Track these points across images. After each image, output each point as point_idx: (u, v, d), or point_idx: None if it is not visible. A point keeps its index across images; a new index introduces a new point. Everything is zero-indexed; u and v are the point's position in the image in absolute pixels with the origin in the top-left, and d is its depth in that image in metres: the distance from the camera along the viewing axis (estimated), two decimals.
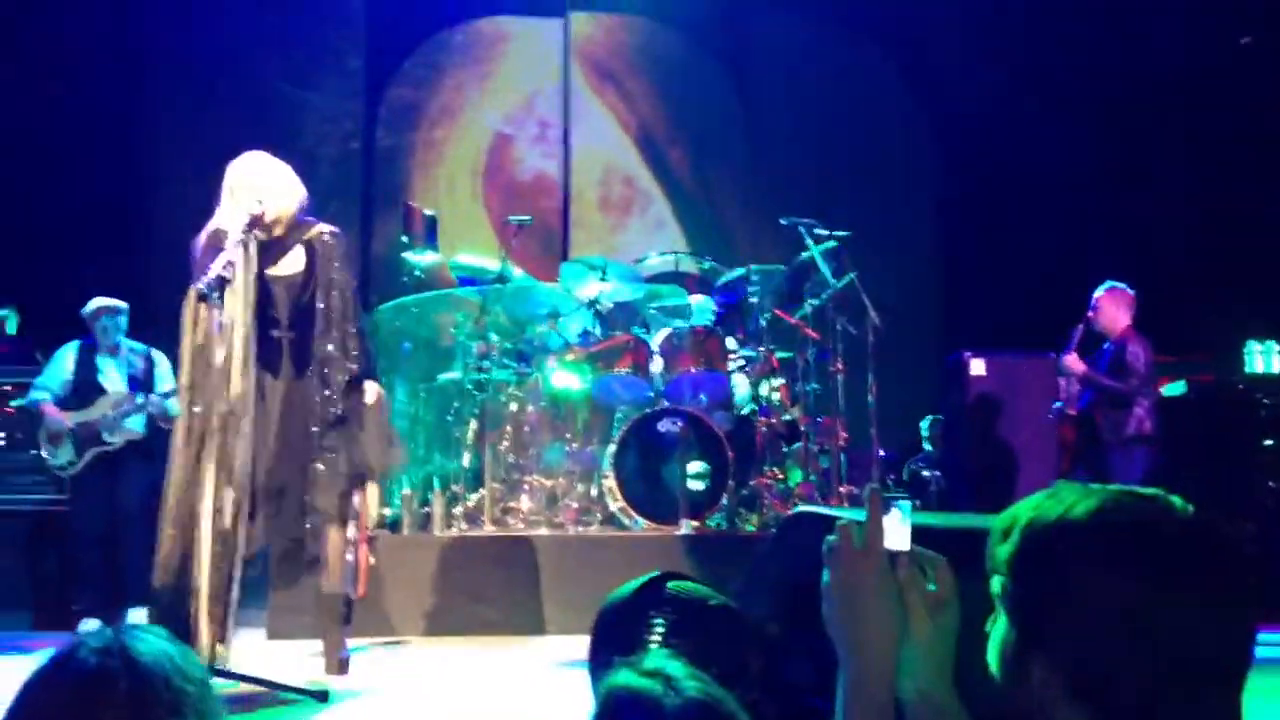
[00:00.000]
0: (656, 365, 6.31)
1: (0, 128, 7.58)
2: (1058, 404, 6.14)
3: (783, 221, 6.65)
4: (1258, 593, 1.05)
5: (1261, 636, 1.09)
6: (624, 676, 1.19)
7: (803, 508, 3.86)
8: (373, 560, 5.20)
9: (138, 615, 5.54)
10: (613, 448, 6.01)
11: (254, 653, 4.30)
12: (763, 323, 6.66)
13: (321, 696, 3.63)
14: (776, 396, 6.66)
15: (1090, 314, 5.99)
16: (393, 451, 5.90)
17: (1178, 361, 6.74)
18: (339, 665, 4.12)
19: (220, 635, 3.60)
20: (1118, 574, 1.04)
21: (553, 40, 9.53)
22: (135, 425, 5.90)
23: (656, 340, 6.42)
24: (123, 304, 6.07)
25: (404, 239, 7.20)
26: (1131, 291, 5.97)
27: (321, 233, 4.17)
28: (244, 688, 3.56)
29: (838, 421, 6.57)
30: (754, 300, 6.68)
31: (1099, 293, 6.00)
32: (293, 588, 4.44)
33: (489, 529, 5.89)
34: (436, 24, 9.32)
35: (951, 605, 1.30)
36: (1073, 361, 5.92)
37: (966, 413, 7.13)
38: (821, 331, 6.69)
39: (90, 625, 5.25)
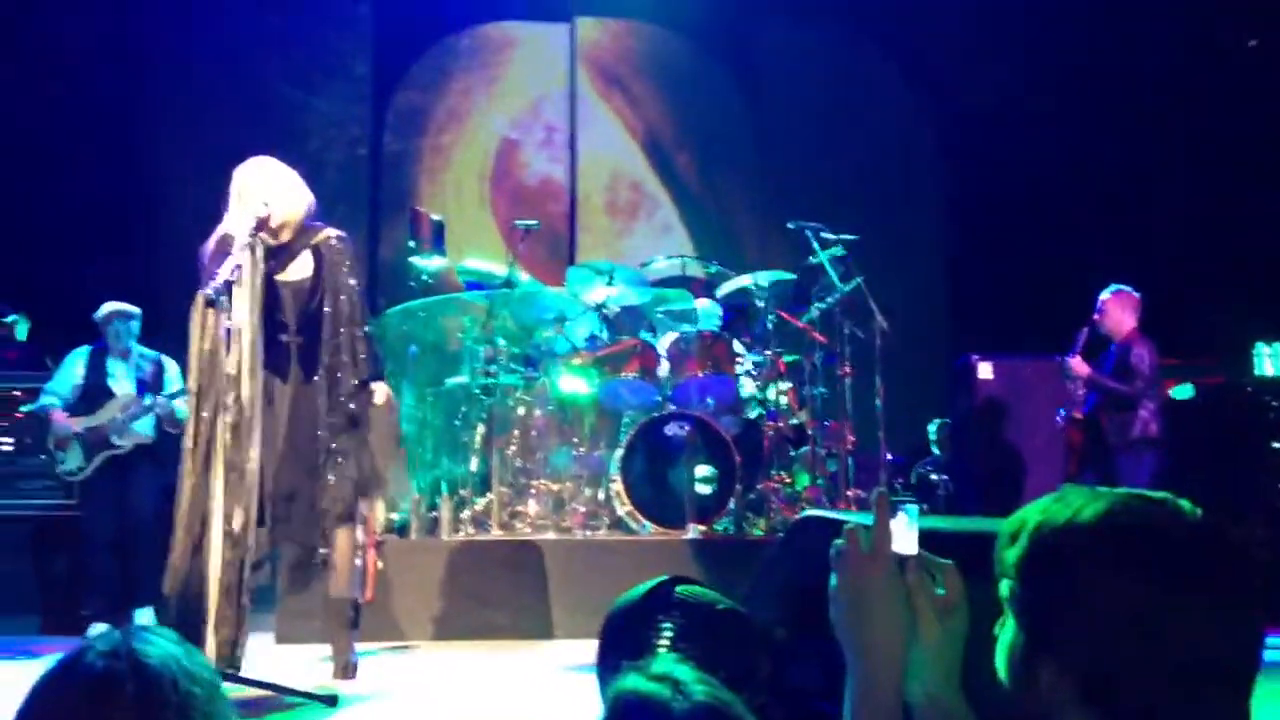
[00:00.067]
0: (663, 369, 6.31)
1: (9, 134, 7.62)
2: (1063, 407, 6.13)
3: (790, 226, 6.65)
4: (1266, 596, 1.05)
5: (1270, 639, 1.09)
6: (632, 681, 1.19)
7: (810, 512, 3.86)
8: (381, 565, 5.21)
9: (145, 617, 5.57)
10: (620, 452, 6.00)
11: (262, 657, 4.30)
12: (770, 327, 6.66)
13: (330, 701, 3.63)
14: (784, 400, 6.67)
15: (1096, 316, 5.98)
16: (396, 452, 5.91)
17: (1185, 364, 6.72)
18: (347, 670, 4.13)
19: (232, 639, 3.61)
20: (1126, 577, 1.04)
21: (559, 45, 9.55)
22: (144, 428, 5.92)
23: (663, 344, 6.41)
24: (135, 309, 6.10)
25: (411, 244, 7.21)
26: (1137, 294, 5.96)
27: (329, 237, 4.18)
28: (252, 692, 3.57)
29: (845, 425, 6.56)
30: (760, 304, 6.67)
31: (1104, 295, 5.99)
32: (302, 592, 4.45)
33: (496, 533, 5.89)
34: (443, 29, 9.34)
35: (960, 609, 1.30)
36: (1077, 364, 5.91)
37: (974, 416, 7.12)
38: (829, 335, 6.69)
39: (99, 629, 5.26)
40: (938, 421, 8.47)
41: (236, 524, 3.64)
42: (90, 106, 7.93)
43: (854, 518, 1.64)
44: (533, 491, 6.23)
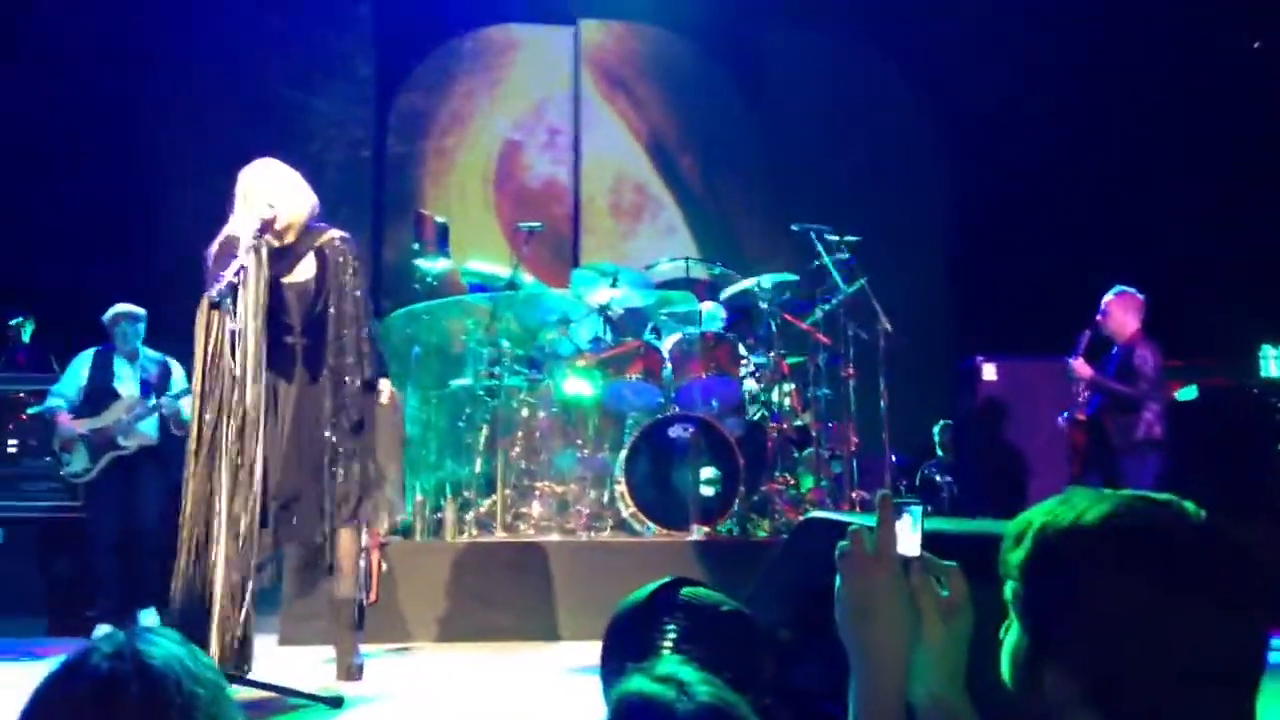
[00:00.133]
0: (667, 371, 6.31)
1: (13, 134, 7.63)
2: (1065, 414, 6.11)
3: (794, 228, 6.66)
4: (1271, 598, 1.05)
5: (1275, 641, 1.09)
6: (636, 682, 1.20)
7: (814, 513, 3.86)
8: (385, 566, 5.21)
9: (148, 618, 5.58)
10: (624, 453, 6.00)
11: (266, 659, 4.30)
12: (773, 328, 6.66)
13: (334, 702, 3.63)
14: (788, 402, 6.66)
15: (1099, 318, 5.97)
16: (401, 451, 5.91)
17: (1190, 366, 6.71)
18: (351, 671, 4.13)
19: (237, 641, 3.61)
20: (1130, 579, 1.04)
21: (563, 47, 9.56)
22: (148, 429, 5.94)
23: (667, 346, 6.41)
24: (141, 311, 6.12)
25: (415, 246, 7.22)
26: (1140, 296, 5.94)
27: (332, 238, 4.18)
28: (257, 694, 3.57)
29: (849, 427, 6.55)
30: (764, 306, 6.67)
31: (1108, 297, 5.97)
32: (307, 594, 4.45)
33: (501, 535, 5.89)
34: (446, 31, 9.35)
35: (964, 610, 1.30)
36: (1080, 366, 5.90)
37: (978, 417, 7.11)
38: (833, 337, 6.68)
39: (104, 631, 5.27)
40: (942, 423, 8.47)
41: (241, 526, 3.64)
42: (92, 108, 7.94)
43: (858, 519, 1.64)
44: (537, 493, 6.24)
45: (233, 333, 3.67)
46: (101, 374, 6.00)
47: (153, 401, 5.91)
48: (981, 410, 7.05)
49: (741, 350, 6.55)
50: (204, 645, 3.47)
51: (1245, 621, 1.04)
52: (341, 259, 4.15)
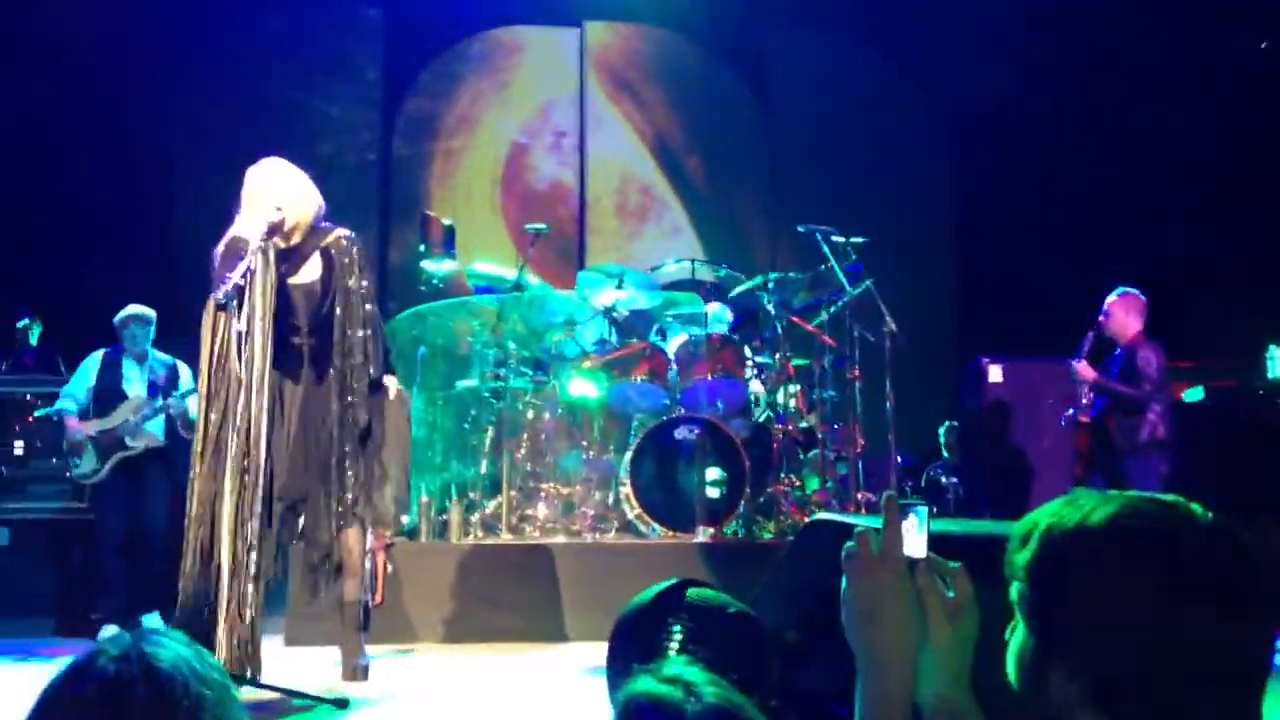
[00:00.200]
0: (673, 373, 6.31)
1: (21, 135, 7.66)
2: (1070, 411, 6.10)
3: (800, 229, 6.65)
4: (1277, 599, 1.05)
5: None
6: (643, 683, 1.20)
7: (820, 515, 3.86)
8: (390, 568, 5.22)
9: (155, 620, 5.59)
10: (629, 455, 6.00)
11: (272, 660, 4.31)
12: (779, 330, 6.65)
13: (340, 704, 3.63)
14: (793, 404, 6.66)
15: (1101, 319, 5.95)
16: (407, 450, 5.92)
17: (1197, 367, 6.69)
18: (357, 672, 4.13)
19: (243, 642, 3.62)
20: (1136, 580, 1.04)
21: (569, 49, 9.57)
22: (155, 429, 5.95)
23: (673, 348, 6.41)
24: (151, 312, 6.14)
25: (421, 248, 7.23)
26: (1143, 297, 5.93)
27: (339, 239, 4.18)
28: (263, 695, 3.58)
29: (855, 428, 6.54)
30: (770, 308, 6.67)
31: (1110, 298, 5.96)
32: (313, 595, 4.45)
33: (506, 537, 5.89)
34: (453, 34, 9.37)
35: (970, 611, 1.30)
36: (1083, 368, 5.88)
37: (984, 419, 7.10)
38: (838, 338, 6.68)
39: (110, 632, 5.28)
40: (948, 424, 8.45)
41: (247, 527, 3.65)
42: (94, 109, 7.97)
43: (864, 521, 1.64)
44: (542, 495, 6.24)
45: (239, 334, 3.67)
46: (110, 375, 6.02)
47: (160, 402, 5.93)
48: (987, 412, 7.04)
49: (747, 352, 6.56)
50: (210, 647, 3.48)
51: (1251, 623, 1.03)
52: (348, 259, 4.15)
